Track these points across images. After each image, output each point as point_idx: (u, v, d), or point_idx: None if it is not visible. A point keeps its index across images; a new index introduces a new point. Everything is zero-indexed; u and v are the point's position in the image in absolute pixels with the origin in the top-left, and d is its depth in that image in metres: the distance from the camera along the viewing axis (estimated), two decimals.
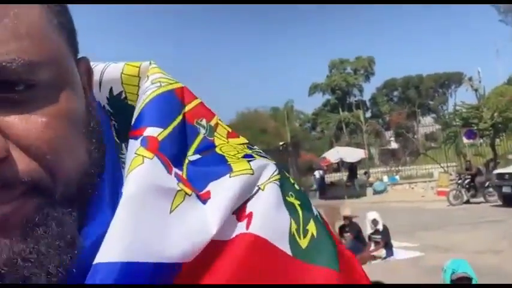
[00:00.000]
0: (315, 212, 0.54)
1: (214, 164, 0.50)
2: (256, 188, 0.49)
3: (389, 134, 47.75)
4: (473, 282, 3.76)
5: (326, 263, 0.49)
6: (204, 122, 0.54)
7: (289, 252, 0.47)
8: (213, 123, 0.55)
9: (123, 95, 0.56)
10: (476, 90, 23.20)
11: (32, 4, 0.40)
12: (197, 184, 0.47)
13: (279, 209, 0.49)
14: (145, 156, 0.45)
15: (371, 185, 22.07)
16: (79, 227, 0.42)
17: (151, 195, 0.42)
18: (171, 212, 0.43)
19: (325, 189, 22.32)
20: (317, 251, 0.49)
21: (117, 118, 0.57)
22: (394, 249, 8.24)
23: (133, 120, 0.51)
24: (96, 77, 0.54)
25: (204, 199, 0.46)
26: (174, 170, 0.47)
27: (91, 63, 0.52)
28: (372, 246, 8.26)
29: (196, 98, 0.55)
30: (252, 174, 0.48)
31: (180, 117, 0.52)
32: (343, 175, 24.13)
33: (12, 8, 0.38)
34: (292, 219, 0.49)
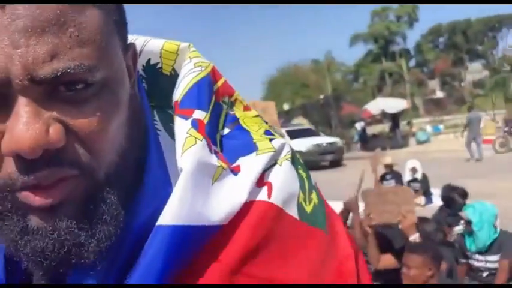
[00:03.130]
0: (313, 182, 0.65)
1: (242, 138, 0.61)
2: (273, 161, 0.58)
3: (434, 83, 46.26)
4: (475, 226, 3.80)
5: (320, 225, 0.60)
6: (226, 99, 0.64)
7: (296, 217, 0.57)
8: (233, 99, 0.65)
9: (159, 65, 0.64)
10: None
11: (91, 7, 0.45)
12: (229, 157, 0.57)
13: (292, 182, 0.59)
14: (197, 138, 0.54)
15: (414, 135, 21.81)
16: (130, 200, 0.51)
17: (200, 171, 0.52)
18: (212, 184, 0.53)
19: (367, 141, 22.23)
20: (316, 215, 0.60)
21: (148, 81, 0.64)
22: (433, 196, 8.34)
23: (179, 96, 0.59)
24: (137, 47, 0.60)
25: (235, 171, 0.56)
26: (213, 147, 0.56)
27: (133, 36, 0.61)
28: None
29: (222, 77, 0.64)
30: (274, 152, 0.59)
31: (213, 98, 0.61)
32: (385, 126, 23.90)
33: (76, 15, 0.43)
34: (300, 190, 0.59)
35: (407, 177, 8.52)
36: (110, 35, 0.48)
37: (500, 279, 3.66)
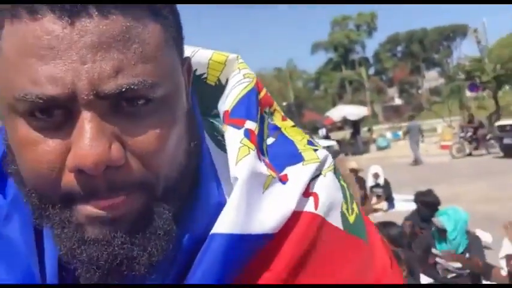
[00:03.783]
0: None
1: (286, 148, 0.61)
2: (319, 172, 0.59)
3: (392, 91, 47.51)
4: (450, 235, 3.87)
5: (362, 235, 0.61)
6: (267, 109, 0.65)
7: (341, 227, 0.58)
8: (272, 109, 0.66)
9: (204, 76, 0.65)
10: (479, 42, 22.91)
11: (153, 22, 0.46)
12: (276, 166, 0.58)
13: (336, 193, 0.60)
14: (250, 148, 0.55)
15: (374, 141, 22.26)
16: (184, 212, 0.52)
17: (253, 180, 0.53)
18: (263, 192, 0.54)
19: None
20: (357, 225, 0.61)
21: (192, 91, 0.61)
22: (395, 202, 8.48)
23: (229, 105, 0.60)
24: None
25: (283, 181, 0.56)
26: (262, 157, 0.57)
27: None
28: (374, 200, 8.49)
29: (263, 88, 0.65)
30: (319, 162, 0.59)
31: (259, 109, 0.62)
32: (346, 133, 24.30)
33: (140, 30, 0.44)
34: (343, 200, 0.60)
35: (369, 182, 8.62)
36: (170, 50, 0.49)
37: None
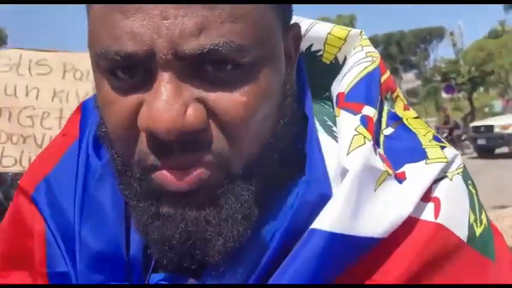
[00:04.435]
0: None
1: (408, 141, 0.52)
2: (444, 173, 0.50)
3: None
4: None
5: (489, 253, 0.50)
6: (389, 95, 0.56)
7: (465, 240, 0.48)
8: (394, 95, 0.57)
9: (320, 53, 0.57)
10: (454, 45, 23.34)
11: None
12: (393, 161, 0.49)
13: (463, 201, 0.50)
14: (366, 137, 0.47)
15: None
16: (265, 197, 0.46)
17: (366, 175, 0.45)
18: (375, 190, 0.46)
19: None
20: (485, 240, 0.50)
21: (305, 69, 0.55)
22: None
23: (346, 87, 0.53)
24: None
25: (400, 179, 0.48)
26: (378, 149, 0.49)
27: (299, 18, 0.55)
28: None
29: (387, 70, 0.57)
30: (446, 163, 0.50)
31: (380, 94, 0.54)
32: None
33: None
34: (470, 210, 0.50)
35: None
36: (267, 11, 0.43)
37: None
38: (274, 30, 0.44)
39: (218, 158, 0.42)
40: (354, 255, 0.45)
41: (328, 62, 0.57)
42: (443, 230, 0.47)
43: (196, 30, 0.38)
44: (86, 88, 2.53)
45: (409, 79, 53.30)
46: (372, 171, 0.46)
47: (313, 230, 0.44)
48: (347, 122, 0.49)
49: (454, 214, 0.48)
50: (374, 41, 58.70)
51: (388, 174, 0.47)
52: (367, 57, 0.55)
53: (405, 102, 0.58)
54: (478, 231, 0.50)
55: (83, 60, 2.56)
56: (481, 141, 13.57)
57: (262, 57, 0.42)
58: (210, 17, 0.38)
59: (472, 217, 0.50)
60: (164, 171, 0.41)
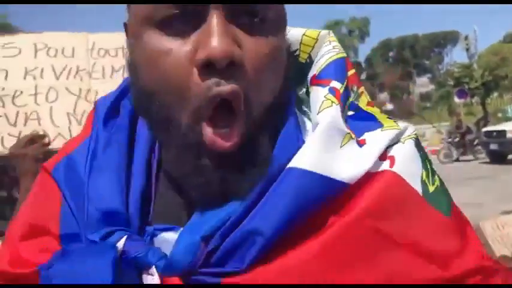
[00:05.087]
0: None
1: (366, 120, 0.61)
2: (397, 139, 0.58)
3: (384, 95, 47.76)
4: None
5: (443, 210, 0.56)
6: (355, 88, 0.66)
7: (420, 192, 0.55)
8: (360, 90, 0.67)
9: (297, 52, 0.67)
10: (467, 49, 23.16)
11: None
12: (355, 132, 0.58)
13: (414, 160, 0.58)
14: (333, 102, 0.57)
15: None
16: (271, 145, 0.55)
17: (333, 131, 0.55)
18: (341, 147, 0.55)
19: None
20: (438, 198, 0.57)
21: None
22: None
23: (317, 70, 0.63)
24: None
25: (361, 144, 0.56)
26: (343, 114, 0.58)
27: None
28: None
29: (353, 68, 0.67)
30: (399, 130, 0.58)
31: (346, 80, 0.63)
32: None
33: None
34: (423, 169, 0.57)
35: None
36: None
37: None
38: (285, 15, 0.57)
39: (248, 104, 0.51)
40: (322, 194, 0.51)
41: (303, 61, 0.67)
42: (398, 178, 0.54)
43: None
44: (62, 63, 2.48)
45: (423, 83, 52.96)
46: (338, 131, 0.55)
47: (290, 168, 0.52)
48: (317, 93, 0.60)
49: (407, 166, 0.56)
50: (388, 44, 58.41)
51: (351, 137, 0.56)
52: (334, 48, 0.65)
53: (369, 99, 0.67)
54: (431, 188, 0.57)
55: (57, 38, 2.51)
56: (493, 147, 13.44)
57: (279, 19, 0.55)
58: None
59: (424, 174, 0.57)
60: (212, 135, 0.50)
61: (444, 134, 17.75)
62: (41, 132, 2.22)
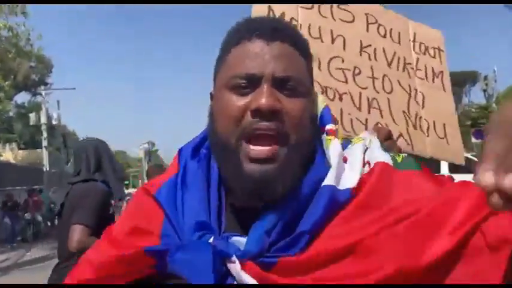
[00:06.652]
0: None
1: (345, 144, 0.91)
2: (365, 147, 0.90)
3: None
4: None
5: (413, 169, 0.86)
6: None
7: (390, 164, 0.85)
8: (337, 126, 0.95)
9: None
10: (484, 90, 23.12)
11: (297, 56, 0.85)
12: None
13: (381, 151, 0.88)
14: (331, 139, 0.88)
15: None
16: (305, 167, 0.84)
17: (339, 157, 0.84)
18: (344, 167, 0.85)
19: None
20: (406, 166, 0.86)
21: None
22: None
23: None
24: None
25: (346, 161, 0.86)
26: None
27: None
28: None
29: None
30: (364, 139, 0.92)
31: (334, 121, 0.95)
32: None
33: (296, 55, 0.84)
34: (387, 153, 0.88)
35: None
36: (306, 65, 0.88)
37: None
38: (309, 76, 0.88)
39: (285, 136, 0.79)
40: (340, 200, 0.79)
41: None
42: (384, 163, 0.85)
43: (283, 69, 0.80)
44: (391, 49, 2.27)
45: None
46: (340, 155, 0.85)
47: (324, 186, 0.80)
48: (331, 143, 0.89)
49: (377, 154, 0.87)
50: None
51: (344, 161, 0.86)
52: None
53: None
54: (399, 159, 0.88)
55: (383, 15, 2.31)
56: None
57: (307, 91, 0.84)
58: (289, 65, 0.81)
59: (391, 156, 0.88)
60: (256, 144, 0.78)
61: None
62: (384, 126, 2.05)
